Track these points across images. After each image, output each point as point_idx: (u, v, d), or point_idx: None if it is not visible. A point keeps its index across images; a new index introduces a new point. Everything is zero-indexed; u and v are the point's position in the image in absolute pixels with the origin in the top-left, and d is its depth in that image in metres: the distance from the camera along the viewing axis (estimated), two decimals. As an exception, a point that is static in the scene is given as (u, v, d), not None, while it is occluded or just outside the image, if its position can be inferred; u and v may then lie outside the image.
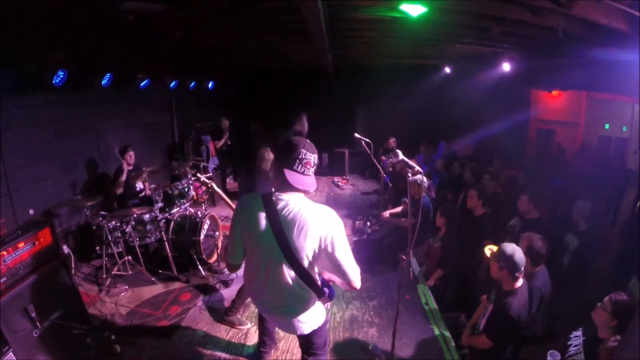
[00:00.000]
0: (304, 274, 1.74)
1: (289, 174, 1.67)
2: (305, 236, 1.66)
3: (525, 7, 3.19)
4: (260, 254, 1.78)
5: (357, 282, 1.80)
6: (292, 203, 1.70)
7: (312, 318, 1.92)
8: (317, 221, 1.67)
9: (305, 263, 1.71)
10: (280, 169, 1.69)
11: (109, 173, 4.88)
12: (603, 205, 4.12)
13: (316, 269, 1.84)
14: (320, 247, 1.68)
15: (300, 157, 1.67)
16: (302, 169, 1.68)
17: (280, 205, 1.70)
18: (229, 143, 7.28)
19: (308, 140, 1.71)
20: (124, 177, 4.50)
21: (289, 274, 1.74)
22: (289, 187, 1.69)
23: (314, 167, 1.73)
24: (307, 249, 1.68)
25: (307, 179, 1.70)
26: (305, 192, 1.75)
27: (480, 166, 5.37)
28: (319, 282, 1.85)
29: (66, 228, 4.31)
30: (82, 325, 2.84)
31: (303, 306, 1.87)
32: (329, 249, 1.68)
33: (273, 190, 1.77)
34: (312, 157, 1.70)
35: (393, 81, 8.31)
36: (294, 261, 1.70)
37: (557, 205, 4.32)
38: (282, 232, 1.67)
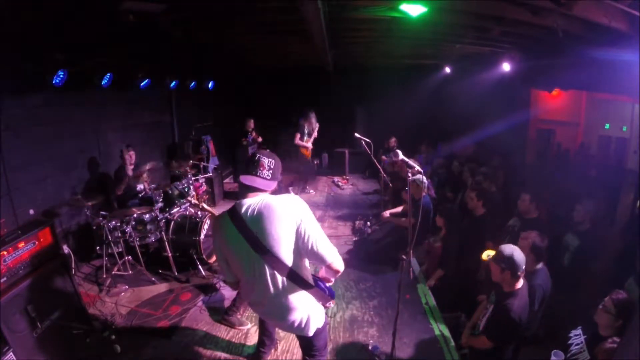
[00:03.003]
0: (286, 268, 1.74)
1: (244, 178, 1.77)
2: (276, 224, 1.68)
3: (525, 7, 3.19)
4: (243, 263, 1.80)
5: (337, 264, 1.79)
6: (254, 203, 1.75)
7: (314, 318, 1.92)
8: (283, 208, 1.71)
9: (284, 255, 1.72)
10: (239, 178, 1.81)
11: (109, 173, 4.88)
12: (602, 204, 4.11)
13: (305, 263, 1.83)
14: (293, 231, 1.70)
15: (254, 159, 1.78)
16: (256, 171, 1.77)
17: (243, 210, 1.75)
18: (260, 140, 7.33)
19: (268, 151, 1.86)
20: (125, 180, 4.49)
21: (272, 272, 1.75)
22: (246, 190, 1.79)
23: (270, 171, 1.79)
24: (282, 237, 1.69)
25: (259, 179, 1.77)
26: (262, 191, 1.81)
27: (480, 166, 5.37)
28: (309, 277, 1.85)
29: (66, 228, 4.31)
30: (82, 325, 2.84)
31: (301, 305, 1.86)
32: (300, 235, 1.70)
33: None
34: (267, 160, 1.79)
35: (393, 81, 8.31)
36: (272, 256, 1.71)
37: (557, 205, 4.32)
38: (251, 233, 1.71)
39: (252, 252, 1.72)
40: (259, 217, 1.70)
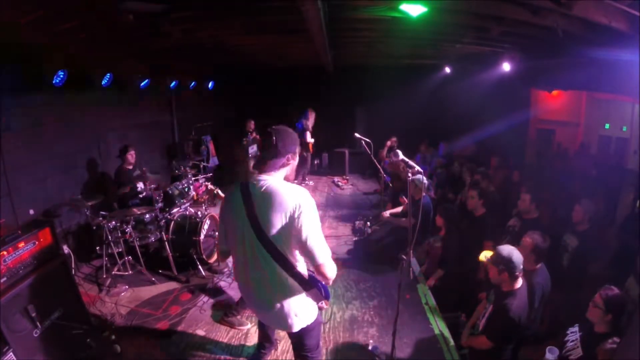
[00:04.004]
0: (278, 254, 1.72)
1: (257, 157, 1.82)
2: (274, 210, 1.67)
3: (525, 7, 3.19)
4: (237, 235, 1.79)
5: (327, 268, 1.73)
6: (263, 182, 1.75)
7: (301, 315, 1.87)
8: (286, 195, 1.69)
9: (277, 241, 1.69)
10: (260, 155, 1.83)
11: (109, 173, 4.88)
12: (602, 205, 4.11)
13: (299, 257, 1.79)
14: (288, 222, 1.67)
15: (264, 137, 1.82)
16: (262, 149, 1.82)
17: (252, 185, 1.77)
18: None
19: (281, 126, 1.83)
20: (137, 183, 4.52)
21: (263, 254, 1.72)
22: (264, 169, 1.79)
23: (275, 149, 1.76)
24: (277, 224, 1.67)
25: (267, 159, 1.79)
26: (274, 169, 1.79)
27: (479, 166, 5.38)
28: (303, 272, 1.81)
29: (66, 228, 4.31)
30: (82, 325, 2.83)
31: (287, 298, 1.82)
32: (296, 224, 1.66)
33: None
34: (273, 138, 1.77)
35: (393, 81, 8.30)
36: (265, 238, 1.69)
37: (556, 205, 4.32)
38: (252, 208, 1.71)
39: (248, 226, 1.71)
40: (262, 197, 1.71)
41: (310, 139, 7.45)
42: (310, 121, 7.38)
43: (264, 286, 1.81)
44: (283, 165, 1.80)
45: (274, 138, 1.75)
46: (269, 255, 1.72)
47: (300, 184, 7.54)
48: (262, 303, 1.89)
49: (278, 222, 1.67)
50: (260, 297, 1.87)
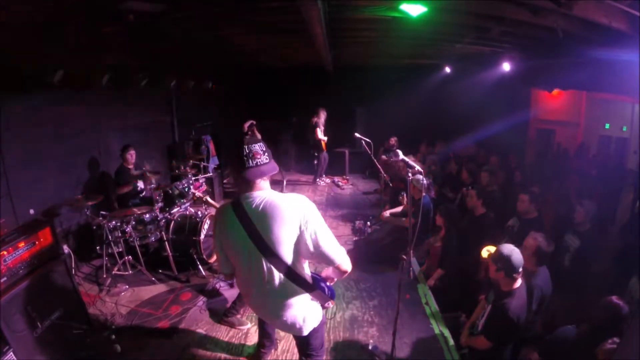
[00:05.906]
0: (286, 268, 1.71)
1: (249, 174, 1.67)
2: (280, 225, 1.64)
3: (525, 7, 3.19)
4: (241, 258, 1.77)
5: (345, 264, 1.78)
6: (259, 199, 1.70)
7: (310, 318, 1.90)
8: (290, 208, 1.66)
9: (285, 255, 1.68)
10: (238, 175, 1.70)
11: (109, 173, 4.87)
12: (603, 205, 4.12)
13: (304, 264, 1.81)
14: (296, 233, 1.65)
15: (245, 153, 1.66)
16: (254, 162, 1.67)
17: (248, 204, 1.70)
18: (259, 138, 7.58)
19: (247, 137, 1.74)
20: (137, 182, 4.59)
21: (269, 269, 1.72)
22: (252, 185, 1.71)
23: (266, 154, 1.72)
24: (284, 239, 1.65)
25: (263, 167, 1.70)
26: (267, 180, 1.75)
27: (479, 167, 5.37)
28: (308, 277, 1.82)
29: (66, 228, 4.31)
30: (82, 325, 2.84)
31: (297, 305, 1.84)
32: (307, 234, 1.65)
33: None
34: (257, 146, 1.70)
35: (393, 81, 8.31)
36: (272, 255, 1.68)
37: (557, 205, 4.33)
38: (254, 228, 1.67)
39: (252, 247, 1.69)
40: (263, 215, 1.66)
41: (321, 137, 7.58)
42: (321, 119, 7.57)
43: (273, 298, 1.82)
44: (276, 169, 1.76)
45: (262, 150, 1.71)
46: (276, 269, 1.72)
47: (313, 182, 7.86)
48: (271, 313, 1.91)
49: (283, 235, 1.65)
50: (269, 308, 1.89)
